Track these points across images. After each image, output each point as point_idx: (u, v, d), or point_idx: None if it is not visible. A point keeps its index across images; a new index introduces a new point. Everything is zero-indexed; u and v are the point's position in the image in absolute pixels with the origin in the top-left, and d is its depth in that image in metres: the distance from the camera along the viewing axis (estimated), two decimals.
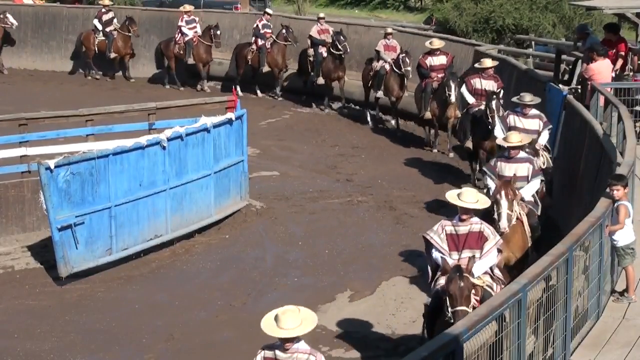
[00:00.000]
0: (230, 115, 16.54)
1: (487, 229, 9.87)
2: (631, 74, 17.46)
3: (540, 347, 8.72)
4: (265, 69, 25.57)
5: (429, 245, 10.08)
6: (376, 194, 18.09)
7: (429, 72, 20.33)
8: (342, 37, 23.69)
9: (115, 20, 27.45)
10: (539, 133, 14.38)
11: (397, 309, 13.10)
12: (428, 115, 20.27)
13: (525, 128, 14.23)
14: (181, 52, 26.45)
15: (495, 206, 11.45)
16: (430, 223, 16.20)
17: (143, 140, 15.06)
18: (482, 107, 16.94)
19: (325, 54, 24.08)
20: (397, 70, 21.71)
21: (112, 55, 27.47)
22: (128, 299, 13.69)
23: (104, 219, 14.46)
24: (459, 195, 9.92)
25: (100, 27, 27.41)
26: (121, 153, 14.64)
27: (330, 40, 23.93)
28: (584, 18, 27.61)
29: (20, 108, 19.16)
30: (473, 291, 9.25)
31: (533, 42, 27.78)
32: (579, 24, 25.47)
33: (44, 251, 14.81)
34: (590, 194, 12.79)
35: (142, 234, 15.11)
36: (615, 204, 10.31)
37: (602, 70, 16.26)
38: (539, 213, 12.67)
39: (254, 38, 25.69)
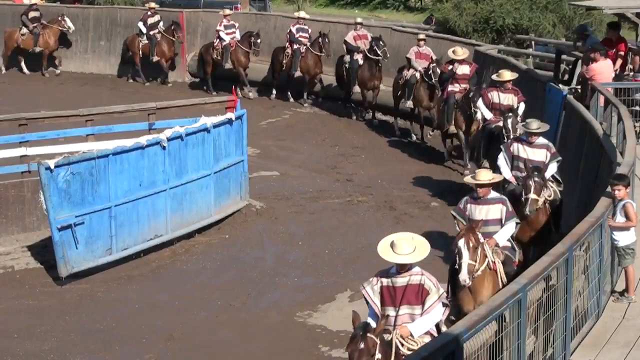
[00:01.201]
0: (230, 115, 16.55)
1: (429, 281, 8.40)
2: (631, 74, 17.45)
3: (540, 347, 8.72)
4: (297, 74, 24.92)
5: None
6: (376, 194, 18.09)
7: (449, 77, 19.10)
8: (381, 43, 22.60)
9: (161, 24, 27.03)
10: (545, 165, 12.92)
11: None
12: (452, 129, 18.95)
13: (529, 158, 13.00)
14: (219, 57, 25.83)
15: (456, 256, 10.22)
16: (430, 223, 16.31)
17: (143, 140, 15.06)
18: (500, 123, 15.74)
19: (361, 61, 22.92)
20: (427, 80, 20.67)
21: (155, 58, 26.95)
22: (128, 299, 13.70)
23: (104, 218, 14.47)
24: (392, 245, 8.41)
25: (144, 30, 26.95)
26: (121, 153, 14.65)
27: (367, 47, 22.82)
28: (584, 18, 27.59)
29: (20, 108, 19.18)
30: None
31: (533, 42, 27.75)
32: (579, 24, 25.44)
33: (44, 251, 14.82)
34: (590, 194, 12.78)
35: (142, 234, 15.11)
36: (621, 203, 10.30)
37: (603, 70, 16.24)
38: (516, 259, 11.26)
39: (288, 43, 24.99)
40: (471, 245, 10.12)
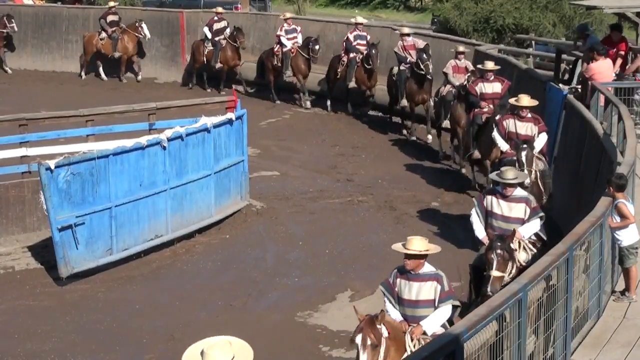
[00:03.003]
0: (231, 115, 16.55)
1: None
2: (631, 73, 17.46)
3: (541, 347, 8.72)
4: (352, 85, 23.16)
5: None
6: (376, 194, 18.08)
7: (478, 101, 16.90)
8: (424, 56, 20.45)
9: (227, 30, 25.90)
10: (523, 221, 10.90)
11: None
12: (477, 154, 16.82)
13: (503, 215, 10.98)
14: (279, 64, 24.47)
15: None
16: (431, 223, 16.31)
17: (143, 140, 15.07)
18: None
19: (409, 73, 20.98)
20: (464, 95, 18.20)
21: (218, 65, 25.80)
22: (128, 299, 13.70)
23: (104, 219, 14.47)
24: (202, 354, 5.91)
25: (209, 35, 25.85)
26: (121, 153, 14.65)
27: (415, 59, 20.82)
28: (584, 17, 27.62)
29: (20, 108, 19.18)
30: None
31: (533, 42, 27.78)
32: (580, 23, 25.46)
33: (44, 251, 14.82)
34: (590, 194, 12.78)
35: (143, 234, 15.11)
36: (615, 203, 10.31)
37: (603, 70, 16.25)
38: None
39: (343, 51, 23.32)
40: (369, 343, 8.26)
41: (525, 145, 13.49)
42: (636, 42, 18.45)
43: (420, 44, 21.24)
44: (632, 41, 18.43)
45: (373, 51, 22.47)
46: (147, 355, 11.95)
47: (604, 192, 10.50)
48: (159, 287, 14.18)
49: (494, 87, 16.92)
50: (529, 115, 14.21)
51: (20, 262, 14.77)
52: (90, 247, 14.33)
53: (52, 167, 13.67)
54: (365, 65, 22.75)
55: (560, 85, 18.24)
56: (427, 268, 9.04)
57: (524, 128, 14.17)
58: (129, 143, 14.82)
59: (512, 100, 14.65)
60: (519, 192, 11.07)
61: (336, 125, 23.32)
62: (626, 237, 10.36)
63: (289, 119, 24.04)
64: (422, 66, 20.44)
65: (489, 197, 11.06)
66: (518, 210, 10.90)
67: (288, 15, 25.35)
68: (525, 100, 14.25)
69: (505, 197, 10.94)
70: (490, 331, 7.62)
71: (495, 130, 14.59)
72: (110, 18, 27.28)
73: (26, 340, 12.32)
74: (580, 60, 18.46)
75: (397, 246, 9.11)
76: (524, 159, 13.38)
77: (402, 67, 21.25)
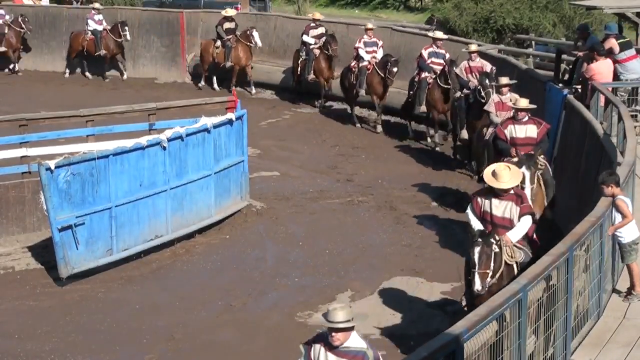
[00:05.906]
0: (231, 115, 16.55)
1: None
2: None
3: (541, 347, 8.73)
4: (422, 108, 20.54)
5: None
6: (376, 194, 18.09)
7: (509, 147, 13.50)
8: (487, 81, 17.23)
9: (324, 38, 23.76)
10: None
11: (398, 309, 13.11)
12: None
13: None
14: (354, 81, 22.25)
15: None
16: (431, 223, 16.32)
17: (143, 140, 15.07)
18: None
19: (471, 99, 18.01)
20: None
21: (310, 77, 24.06)
22: (128, 299, 13.70)
23: (104, 219, 14.47)
24: None
25: (312, 43, 23.91)
26: (121, 153, 14.65)
27: (477, 82, 18.00)
28: (584, 18, 27.63)
29: (20, 109, 19.21)
30: None
31: (533, 42, 27.79)
32: (580, 23, 25.46)
33: (44, 252, 14.82)
34: (590, 194, 12.79)
35: (143, 234, 15.11)
36: (614, 199, 10.33)
37: (602, 70, 16.26)
38: None
39: (417, 70, 20.82)
40: None
41: (479, 240, 9.98)
42: (636, 42, 18.46)
43: (487, 66, 18.66)
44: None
45: (455, 66, 19.47)
46: (147, 355, 11.95)
47: (603, 193, 10.49)
48: (158, 287, 14.18)
49: (527, 131, 13.49)
50: (511, 192, 10.57)
51: (20, 262, 14.77)
52: (90, 247, 14.33)
53: (52, 167, 13.67)
54: (443, 85, 19.92)
55: (560, 85, 18.24)
56: (355, 341, 7.23)
57: (502, 209, 10.55)
58: (129, 143, 14.82)
59: (487, 177, 10.73)
60: (354, 341, 7.36)
61: (336, 126, 23.31)
62: (627, 234, 10.38)
63: (289, 119, 24.04)
64: (483, 93, 17.17)
65: (317, 347, 7.49)
66: None
67: (369, 25, 22.81)
68: (505, 175, 10.52)
69: (333, 349, 7.36)
70: (490, 331, 7.62)
71: (469, 208, 10.97)
72: (226, 25, 25.72)
73: (26, 340, 12.32)
74: (580, 61, 18.48)
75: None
76: (476, 258, 9.92)
77: (463, 93, 18.71)
